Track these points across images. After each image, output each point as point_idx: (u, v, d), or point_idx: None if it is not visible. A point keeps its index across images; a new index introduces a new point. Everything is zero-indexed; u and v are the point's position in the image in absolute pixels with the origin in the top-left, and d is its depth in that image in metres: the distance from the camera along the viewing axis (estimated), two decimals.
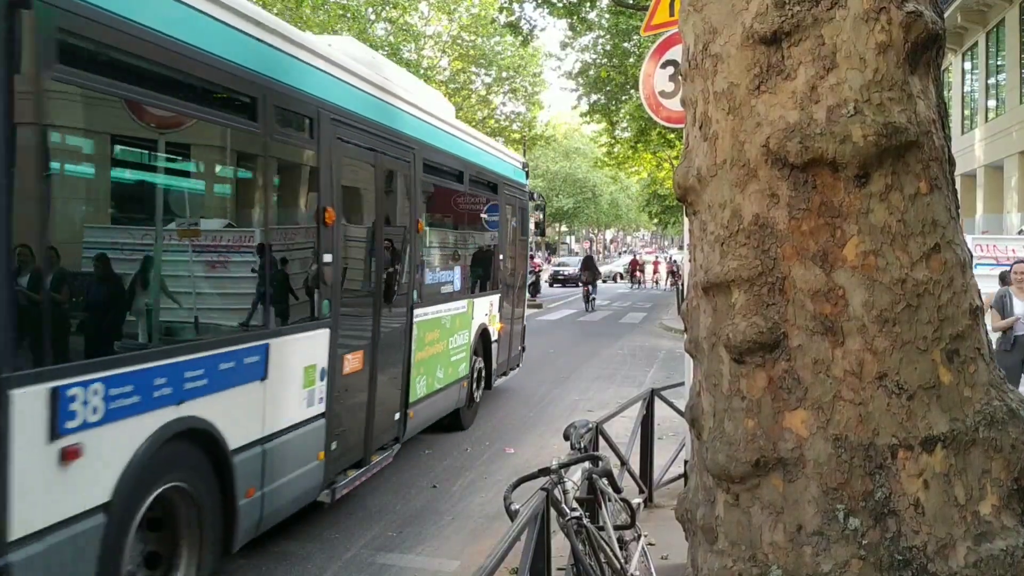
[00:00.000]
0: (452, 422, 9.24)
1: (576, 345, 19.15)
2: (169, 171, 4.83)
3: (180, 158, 4.95)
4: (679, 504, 2.38)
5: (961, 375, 1.99)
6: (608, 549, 3.96)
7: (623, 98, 33.34)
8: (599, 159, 50.44)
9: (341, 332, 6.04)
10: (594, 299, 27.42)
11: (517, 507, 3.48)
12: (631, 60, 28.78)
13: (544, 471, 3.78)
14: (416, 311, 7.68)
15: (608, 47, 31.65)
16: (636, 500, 5.15)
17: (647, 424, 6.83)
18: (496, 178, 10.50)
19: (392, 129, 7.09)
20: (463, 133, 9.46)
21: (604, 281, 40.19)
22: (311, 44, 5.85)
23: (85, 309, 3.91)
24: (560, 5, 23.44)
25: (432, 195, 8.44)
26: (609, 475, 4.33)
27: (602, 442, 5.84)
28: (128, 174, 4.65)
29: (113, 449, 3.80)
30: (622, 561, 4.16)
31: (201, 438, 4.50)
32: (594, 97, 35.18)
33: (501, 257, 10.91)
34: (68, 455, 3.52)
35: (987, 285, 15.79)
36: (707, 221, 2.15)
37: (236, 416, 4.78)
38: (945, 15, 27.05)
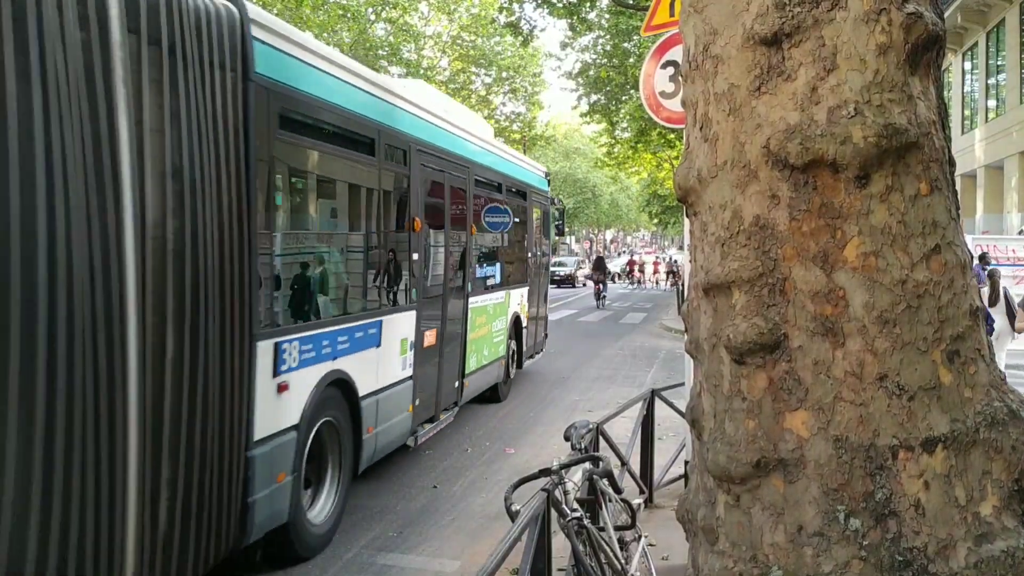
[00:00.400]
0: (492, 395, 10.87)
1: (576, 345, 19.15)
2: (348, 202, 7.08)
3: (359, 191, 7.00)
4: (680, 505, 2.38)
5: (961, 376, 1.99)
6: (609, 550, 3.96)
7: (623, 98, 33.34)
8: (599, 159, 50.44)
9: (422, 314, 7.76)
10: (604, 296, 30.20)
11: (518, 508, 3.48)
12: (631, 60, 28.78)
13: (545, 472, 3.78)
14: (470, 299, 9.44)
15: (608, 47, 31.65)
16: (636, 501, 5.15)
17: (647, 425, 6.83)
18: (525, 187, 12.20)
19: (455, 154, 8.90)
20: (500, 150, 11.31)
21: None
22: (405, 93, 7.73)
23: (290, 293, 5.65)
24: (560, 5, 23.45)
25: (480, 204, 10.06)
26: (610, 476, 4.33)
27: (602, 442, 5.84)
28: (316, 200, 6.65)
29: (302, 387, 5.49)
30: (623, 562, 4.16)
31: (344, 386, 6.14)
32: (594, 97, 35.17)
33: (530, 255, 12.64)
34: (281, 388, 5.21)
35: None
36: (708, 222, 2.15)
37: (363, 372, 6.44)
38: (945, 15, 27.05)
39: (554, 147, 59.96)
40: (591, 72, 33.32)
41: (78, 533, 3.43)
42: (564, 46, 33.68)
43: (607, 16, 28.00)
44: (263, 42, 4.95)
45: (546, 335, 14.55)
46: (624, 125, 37.00)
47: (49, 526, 3.29)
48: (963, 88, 28.39)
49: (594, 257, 40.54)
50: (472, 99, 45.48)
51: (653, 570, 4.61)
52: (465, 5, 40.68)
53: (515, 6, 24.01)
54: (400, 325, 7.24)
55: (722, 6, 2.09)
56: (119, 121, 3.69)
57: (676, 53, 6.20)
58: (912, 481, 1.94)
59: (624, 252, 61.78)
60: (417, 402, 7.66)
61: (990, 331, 6.54)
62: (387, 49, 36.53)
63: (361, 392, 6.35)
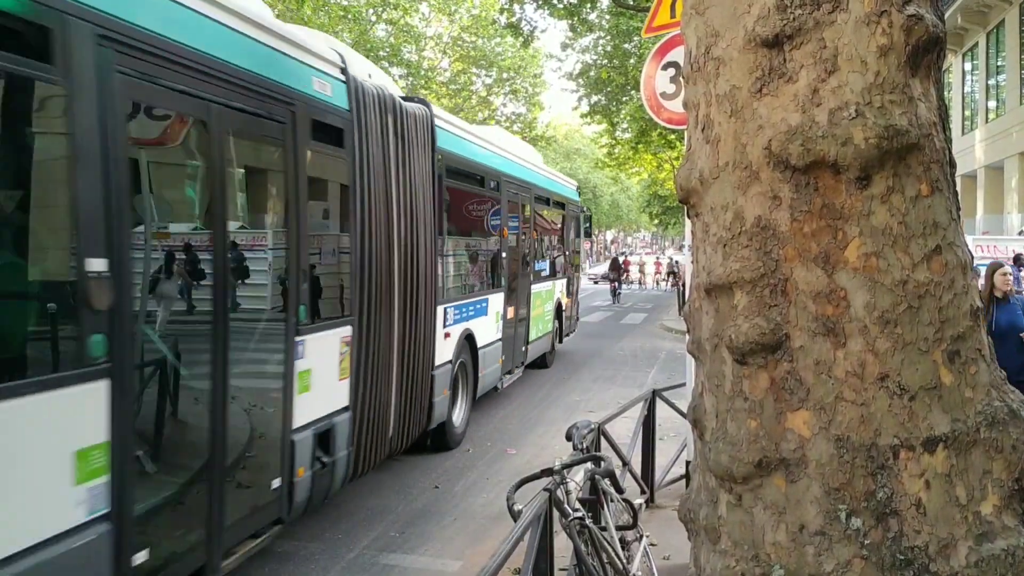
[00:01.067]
0: (541, 363, 14.13)
1: (577, 346, 19.16)
2: (471, 218, 10.21)
3: (476, 211, 10.30)
4: (682, 504, 2.39)
5: (962, 376, 2.00)
6: (610, 549, 3.97)
7: (624, 99, 33.35)
8: (600, 160, 50.44)
9: (507, 296, 11.05)
10: (620, 293, 35.16)
11: (520, 508, 3.49)
12: (632, 61, 28.79)
13: (547, 472, 3.79)
14: (533, 286, 12.77)
15: (609, 48, 31.67)
16: (638, 500, 5.16)
17: (649, 425, 6.84)
18: (564, 199, 15.57)
19: (522, 180, 12.10)
20: (549, 173, 15.12)
21: (596, 283, 43.55)
22: (497, 141, 11.24)
23: (448, 278, 8.75)
24: (561, 6, 23.47)
25: (536, 214, 13.52)
26: (611, 476, 4.34)
27: (604, 442, 5.85)
28: (459, 220, 9.72)
29: (454, 337, 8.60)
30: (624, 561, 4.17)
31: (471, 339, 9.29)
32: (595, 98, 35.19)
33: (567, 253, 16.13)
34: (446, 336, 8.34)
35: None
36: (709, 223, 2.16)
37: (479, 332, 9.64)
38: (945, 16, 27.01)
39: (554, 148, 59.94)
40: (592, 73, 33.34)
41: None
42: (565, 47, 33.74)
43: (607, 17, 28.01)
44: (438, 126, 8.10)
45: (578, 318, 18.14)
46: (625, 126, 37.04)
47: (411, 399, 7.30)
48: (963, 89, 28.40)
49: (611, 258, 44.18)
50: (473, 100, 45.52)
51: (655, 570, 4.62)
52: (466, 6, 40.71)
53: (516, 7, 24.01)
54: (495, 302, 10.54)
55: (724, 8, 2.10)
56: (392, 178, 6.78)
57: (677, 54, 6.21)
58: (913, 480, 1.95)
59: (626, 252, 61.61)
60: (503, 357, 10.91)
61: None
62: (388, 50, 36.55)
63: (479, 345, 9.65)
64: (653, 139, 33.20)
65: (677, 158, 36.44)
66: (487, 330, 10.02)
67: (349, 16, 32.14)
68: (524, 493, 3.64)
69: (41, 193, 3.61)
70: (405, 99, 7.64)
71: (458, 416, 8.91)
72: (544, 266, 14.15)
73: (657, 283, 46.28)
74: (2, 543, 3.11)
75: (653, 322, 25.82)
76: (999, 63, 24.69)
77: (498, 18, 29.57)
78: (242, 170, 5.46)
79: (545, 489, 3.64)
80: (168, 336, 4.40)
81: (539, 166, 14.10)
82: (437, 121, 8.01)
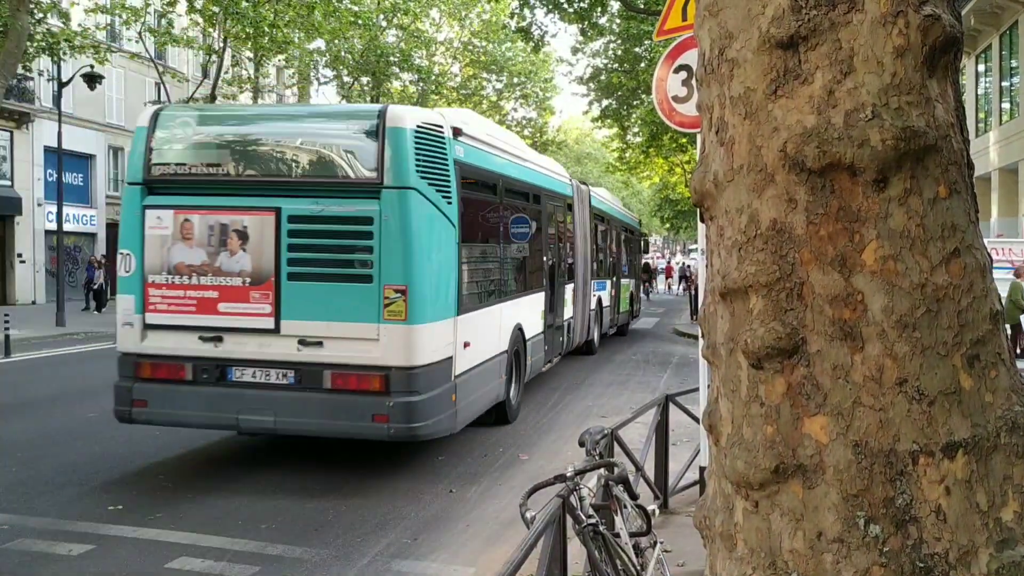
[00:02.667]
0: (620, 331, 21.80)
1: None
2: (611, 244, 19.76)
3: (604, 237, 18.87)
4: (697, 511, 2.37)
5: (982, 380, 1.97)
6: (624, 556, 3.94)
7: (635, 103, 33.33)
8: (611, 164, 50.38)
9: (611, 284, 19.53)
10: (651, 291, 40.29)
11: (533, 514, 3.47)
12: (643, 65, 28.76)
13: (560, 478, 3.77)
14: (621, 280, 21.00)
15: (619, 52, 31.65)
16: (652, 506, 5.13)
17: (662, 430, 6.81)
18: (631, 224, 24.29)
19: (611, 215, 19.99)
20: (623, 208, 22.94)
21: None
22: (608, 197, 20.72)
23: (598, 269, 18.13)
24: (571, 11, 23.45)
25: (619, 236, 21.08)
26: (625, 481, 4.32)
27: (617, 448, 5.83)
28: (612, 247, 20.12)
29: (508, 328, 10.37)
30: (638, 568, 4.14)
31: (519, 330, 10.95)
32: (605, 102, 35.18)
33: (632, 260, 24.19)
34: (596, 298, 17.80)
35: (1003, 289, 15.63)
36: (724, 226, 2.14)
37: (604, 297, 18.69)
38: (960, 15, 26.89)
39: (565, 152, 59.94)
40: (602, 77, 33.34)
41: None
42: (575, 51, 33.66)
43: (618, 21, 27.99)
44: (592, 194, 17.15)
45: (640, 305, 27.00)
46: (636, 130, 37.01)
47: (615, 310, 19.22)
48: (976, 90, 28.21)
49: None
50: (483, 105, 45.55)
51: None
52: (476, 11, 40.76)
53: (526, 12, 24.04)
54: (612, 286, 19.81)
55: (738, 10, 2.08)
56: (580, 223, 15.99)
57: (689, 57, 6.19)
58: (933, 487, 1.92)
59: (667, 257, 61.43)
60: (613, 315, 19.91)
61: None
62: (398, 55, 36.63)
63: (604, 304, 18.59)
64: (664, 143, 33.17)
65: (689, 162, 36.40)
66: (607, 297, 19.26)
67: (359, 22, 32.18)
68: (537, 499, 3.62)
69: (555, 249, 13.64)
70: (582, 183, 16.67)
71: (514, 396, 10.67)
72: (625, 269, 22.12)
73: (669, 287, 46.18)
74: (533, 328, 11.80)
75: (665, 326, 25.75)
76: (1013, 64, 24.52)
77: (508, 23, 29.63)
78: (554, 228, 14.06)
79: (558, 495, 3.63)
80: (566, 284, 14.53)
81: (616, 203, 22.50)
82: (592, 191, 17.60)
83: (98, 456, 8.53)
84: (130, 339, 7.78)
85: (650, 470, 6.61)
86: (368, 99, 40.67)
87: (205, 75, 30.84)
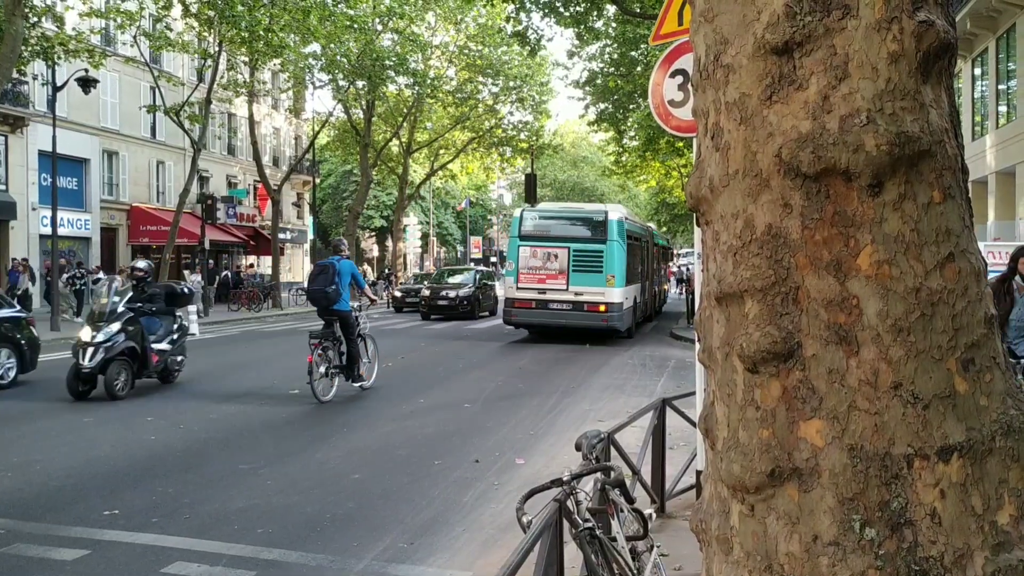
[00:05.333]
0: (658, 312, 32.60)
1: (584, 354, 19.12)
2: (644, 257, 27.59)
3: (636, 255, 25.00)
4: (694, 515, 2.37)
5: (977, 384, 1.98)
6: (621, 560, 3.94)
7: (631, 107, 33.36)
8: (607, 168, 50.46)
9: (658, 284, 33.15)
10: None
11: (529, 518, 3.47)
12: (639, 69, 28.80)
13: (556, 482, 3.77)
14: (661, 281, 36.12)
15: (615, 56, 31.68)
16: (648, 510, 5.13)
17: (659, 434, 6.81)
18: (665, 244, 40.42)
19: (657, 241, 33.31)
20: (655, 233, 34.05)
21: None
22: (634, 221, 27.58)
23: (655, 276, 31.83)
24: (567, 14, 23.47)
25: (648, 253, 27.86)
26: (622, 485, 4.32)
27: (613, 452, 5.82)
28: (638, 256, 25.99)
29: (633, 296, 23.76)
30: (635, 572, 4.14)
31: (635, 297, 24.24)
32: (602, 106, 35.20)
33: (664, 267, 38.72)
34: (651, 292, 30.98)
35: None
36: (720, 231, 2.15)
37: (629, 304, 23.75)
38: (955, 21, 26.93)
39: (562, 156, 60.03)
40: (599, 81, 33.36)
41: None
42: (571, 55, 33.61)
43: (614, 25, 28.04)
44: (654, 232, 33.85)
45: (663, 300, 37.48)
46: (632, 134, 37.04)
47: (641, 303, 25.93)
48: (973, 94, 28.27)
49: None
50: (479, 108, 45.57)
51: None
52: (472, 15, 40.79)
53: (522, 16, 24.05)
54: (660, 286, 34.47)
55: (733, 15, 2.09)
56: (650, 251, 29.18)
57: (685, 62, 6.21)
58: (928, 490, 1.93)
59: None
60: (635, 311, 24.30)
61: None
62: (394, 59, 36.63)
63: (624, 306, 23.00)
64: (661, 147, 33.21)
65: (685, 166, 36.47)
66: (658, 290, 32.49)
67: (355, 26, 32.17)
68: (534, 504, 3.62)
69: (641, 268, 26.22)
70: (647, 224, 33.85)
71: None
72: (664, 278, 35.52)
73: (668, 290, 46.20)
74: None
75: (663, 330, 25.77)
76: (1010, 67, 24.59)
77: (504, 27, 29.63)
78: (641, 254, 25.73)
79: (555, 499, 3.63)
80: (639, 282, 25.50)
81: (652, 228, 34.22)
82: (650, 227, 33.18)
83: (93, 461, 8.52)
84: (511, 292, 21.16)
85: (647, 474, 6.61)
86: (364, 103, 40.70)
87: (200, 79, 30.81)
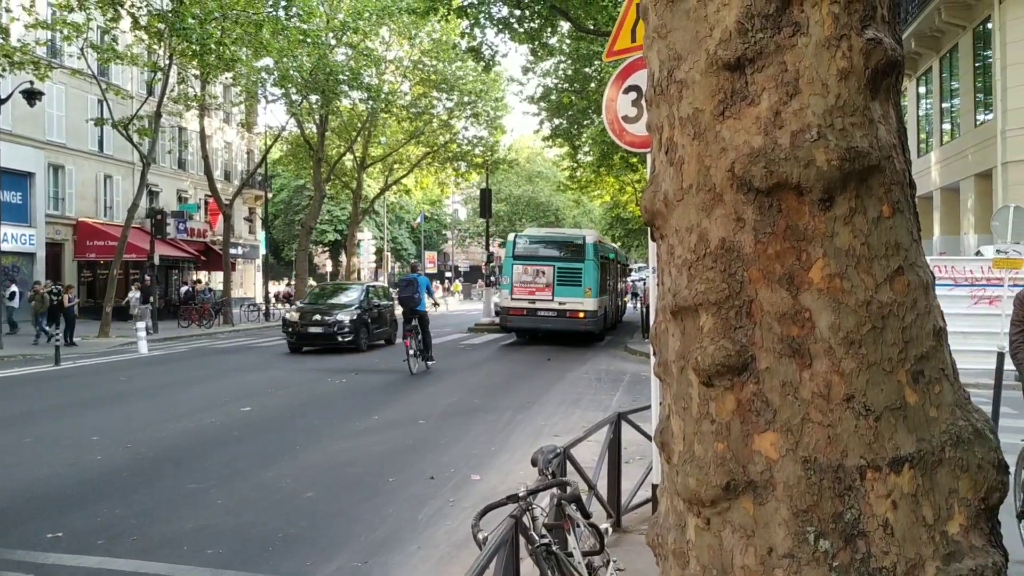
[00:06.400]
0: (617, 321, 34.11)
1: (540, 369, 19.14)
2: (612, 273, 31.47)
3: (606, 272, 28.77)
4: (650, 529, 2.37)
5: (927, 396, 2.00)
6: (577, 575, 3.93)
7: (585, 122, 33.61)
8: (562, 183, 50.66)
9: (618, 295, 35.23)
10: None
11: (485, 535, 3.45)
12: (593, 85, 29.04)
13: (512, 498, 3.75)
14: (620, 294, 37.11)
15: (570, 72, 31.91)
16: (604, 525, 5.13)
17: (615, 448, 6.82)
18: (623, 260, 40.66)
19: (619, 259, 35.75)
20: (614, 248, 36.23)
21: None
22: (605, 244, 31.39)
23: (612, 289, 32.43)
24: (521, 31, 23.60)
25: (614, 270, 32.03)
26: (577, 500, 4.31)
27: (570, 467, 5.82)
28: (607, 273, 29.68)
29: (604, 305, 28.46)
30: None
31: (606, 306, 28.89)
32: (556, 121, 35.41)
33: (621, 286, 37.75)
34: (615, 304, 34.91)
35: (946, 306, 16.09)
36: (675, 245, 2.16)
37: (601, 311, 27.34)
38: (902, 40, 27.76)
39: (516, 171, 60.13)
40: (553, 96, 33.57)
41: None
42: (526, 71, 33.82)
43: (568, 42, 28.26)
44: (615, 248, 37.57)
45: (624, 311, 39.69)
46: (586, 149, 37.33)
47: (608, 312, 29.45)
48: (918, 112, 28.96)
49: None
50: (434, 123, 45.54)
51: None
52: (426, 30, 40.78)
53: (476, 32, 24.14)
54: (617, 297, 36.33)
55: (686, 32, 2.11)
56: (612, 270, 31.70)
57: (638, 78, 6.26)
58: (880, 501, 1.94)
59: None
60: (604, 320, 27.97)
61: None
62: (348, 74, 36.47)
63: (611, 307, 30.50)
64: (615, 162, 33.50)
65: (639, 181, 36.79)
66: (619, 301, 35.39)
67: (308, 40, 31.98)
68: (490, 520, 3.60)
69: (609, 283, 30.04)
70: (611, 244, 36.78)
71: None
72: (619, 291, 35.50)
73: (626, 302, 46.44)
74: None
75: (617, 344, 25.89)
76: (953, 86, 25.24)
77: (459, 42, 29.70)
78: (609, 271, 29.52)
79: (511, 515, 3.60)
80: (607, 294, 28.98)
81: (612, 245, 36.81)
82: (612, 246, 34.84)
83: (36, 482, 8.30)
84: (506, 302, 25.35)
85: (603, 488, 6.61)
86: (317, 117, 40.46)
87: (150, 92, 30.35)
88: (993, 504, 2.03)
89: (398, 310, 22.04)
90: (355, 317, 23.29)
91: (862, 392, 1.95)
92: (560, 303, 24.67)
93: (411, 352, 17.77)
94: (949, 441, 2.00)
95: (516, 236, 26.33)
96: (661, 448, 2.28)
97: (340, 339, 22.76)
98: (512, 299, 25.08)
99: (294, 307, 26.63)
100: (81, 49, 26.63)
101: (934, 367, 2.03)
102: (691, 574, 2.12)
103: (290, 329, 23.12)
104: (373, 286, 27.37)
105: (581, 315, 24.69)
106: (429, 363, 18.56)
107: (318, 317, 22.94)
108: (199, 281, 44.78)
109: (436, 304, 21.04)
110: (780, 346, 1.98)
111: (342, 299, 24.86)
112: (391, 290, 29.10)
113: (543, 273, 24.93)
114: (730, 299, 2.02)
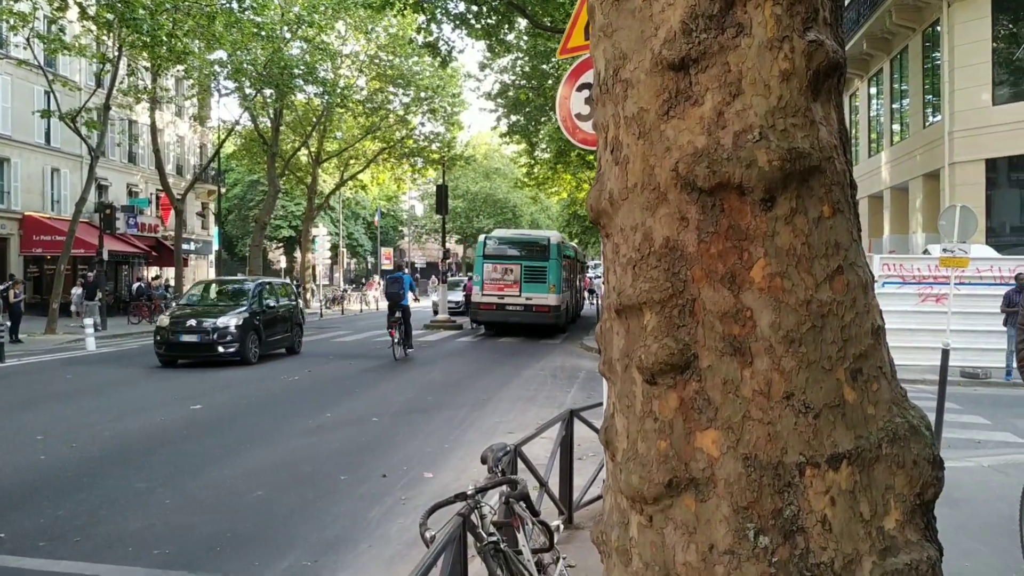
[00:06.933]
0: (576, 315, 36.12)
1: (496, 366, 19.14)
2: (572, 271, 33.23)
3: (567, 270, 30.46)
4: (595, 526, 2.38)
5: (864, 393, 2.03)
6: (527, 573, 3.93)
7: (542, 119, 33.69)
8: (519, 180, 50.68)
9: (577, 291, 36.55)
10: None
11: (432, 533, 3.43)
12: (549, 82, 29.09)
13: (460, 496, 3.74)
14: (579, 289, 37.98)
15: (527, 68, 31.94)
16: (555, 522, 5.14)
17: (567, 445, 6.84)
18: (581, 258, 41.47)
19: (577, 257, 37.41)
20: (574, 247, 37.88)
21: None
22: (567, 244, 33.32)
23: (574, 286, 34.97)
24: (478, 27, 23.52)
25: (574, 268, 33.96)
26: (526, 498, 4.30)
27: (521, 464, 5.82)
28: (568, 271, 31.10)
29: (566, 300, 30.96)
30: None
31: (568, 299, 31.44)
32: (513, 118, 35.44)
33: (580, 283, 39.19)
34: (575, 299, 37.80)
35: (894, 303, 16.13)
36: (620, 244, 2.16)
37: (564, 306, 29.54)
38: (851, 42, 27.92)
39: (474, 167, 60.06)
40: (510, 93, 33.58)
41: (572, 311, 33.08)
42: (483, 67, 33.75)
43: (525, 38, 28.25)
44: (575, 247, 39.54)
45: (582, 306, 39.75)
46: (544, 146, 37.38)
47: (569, 306, 31.29)
48: (869, 112, 29.44)
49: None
50: (390, 119, 45.28)
51: None
52: (383, 25, 40.52)
53: (433, 27, 24.00)
54: (578, 292, 37.32)
55: (631, 31, 2.11)
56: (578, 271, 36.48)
57: (591, 76, 6.26)
58: (819, 497, 1.97)
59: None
60: (568, 313, 30.45)
61: None
62: (303, 68, 36.11)
63: (572, 302, 33.11)
64: (572, 159, 33.63)
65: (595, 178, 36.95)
66: (577, 296, 36.36)
67: (262, 33, 31.60)
68: (438, 518, 3.58)
69: (570, 279, 31.53)
70: (571, 244, 37.98)
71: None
72: (578, 287, 36.80)
73: (585, 297, 46.60)
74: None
75: (573, 340, 25.99)
76: (903, 87, 25.70)
77: (415, 37, 29.53)
78: (569, 268, 31.10)
79: (459, 514, 3.59)
80: (568, 290, 30.75)
81: (572, 244, 38.52)
82: (572, 245, 37.26)
83: None
84: (477, 297, 27.31)
85: (555, 485, 6.62)
86: (271, 112, 40.02)
87: (99, 84, 29.76)
88: (928, 499, 2.07)
89: (382, 305, 27.60)
90: (241, 322, 18.82)
91: (802, 390, 1.97)
92: (527, 299, 26.90)
93: (395, 340, 20.30)
94: (886, 438, 2.04)
95: (486, 237, 28.72)
96: (606, 446, 2.28)
97: (221, 349, 18.39)
98: (483, 295, 27.20)
99: (168, 311, 21.85)
100: (27, 39, 26.01)
101: (872, 365, 2.06)
102: (634, 571, 2.13)
103: (158, 338, 18.71)
104: (270, 283, 22.46)
105: (546, 309, 26.95)
106: (409, 351, 20.68)
107: (193, 323, 18.53)
108: (157, 277, 44.06)
109: (417, 299, 23.86)
110: (722, 345, 1.99)
111: (228, 300, 20.64)
112: (292, 285, 25.93)
113: (511, 271, 27.13)
114: (673, 298, 2.03)
